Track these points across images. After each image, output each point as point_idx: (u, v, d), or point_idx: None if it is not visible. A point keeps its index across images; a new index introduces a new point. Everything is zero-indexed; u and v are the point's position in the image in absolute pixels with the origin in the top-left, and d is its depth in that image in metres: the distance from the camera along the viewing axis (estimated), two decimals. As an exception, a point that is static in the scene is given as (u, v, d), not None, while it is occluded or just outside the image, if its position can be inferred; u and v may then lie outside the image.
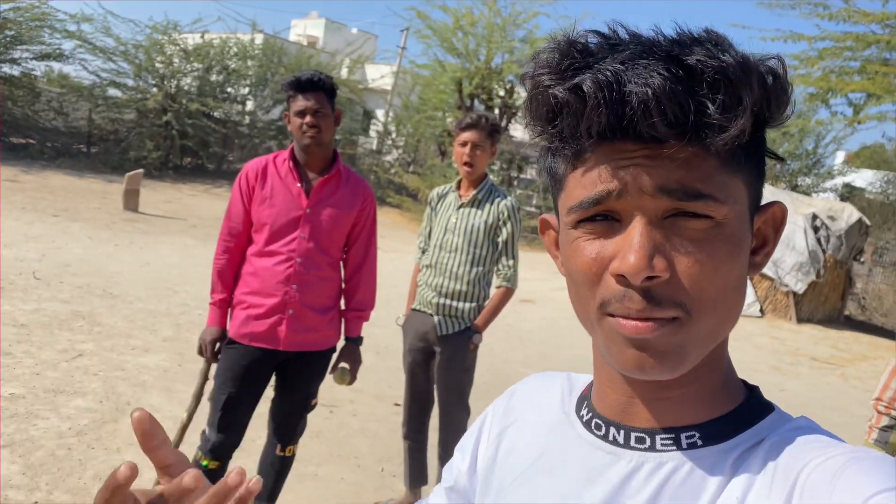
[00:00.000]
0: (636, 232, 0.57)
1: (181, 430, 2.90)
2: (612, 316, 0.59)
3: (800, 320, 11.58)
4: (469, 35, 16.85)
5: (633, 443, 0.65)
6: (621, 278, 0.58)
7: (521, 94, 17.60)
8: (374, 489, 3.69)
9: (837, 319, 12.35)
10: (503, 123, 17.35)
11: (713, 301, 0.58)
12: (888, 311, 13.45)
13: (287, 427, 2.83)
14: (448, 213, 3.28)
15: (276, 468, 2.86)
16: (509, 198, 3.25)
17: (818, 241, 11.66)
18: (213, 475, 2.66)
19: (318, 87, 2.61)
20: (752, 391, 0.68)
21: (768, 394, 0.69)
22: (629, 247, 0.57)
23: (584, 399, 0.74)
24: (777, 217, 0.66)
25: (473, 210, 3.21)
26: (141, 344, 5.32)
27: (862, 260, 14.22)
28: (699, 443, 0.63)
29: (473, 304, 3.20)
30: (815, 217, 11.65)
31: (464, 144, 3.16)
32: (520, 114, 17.80)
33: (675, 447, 0.63)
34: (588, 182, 0.60)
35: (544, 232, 0.75)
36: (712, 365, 0.65)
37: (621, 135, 0.57)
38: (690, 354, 0.59)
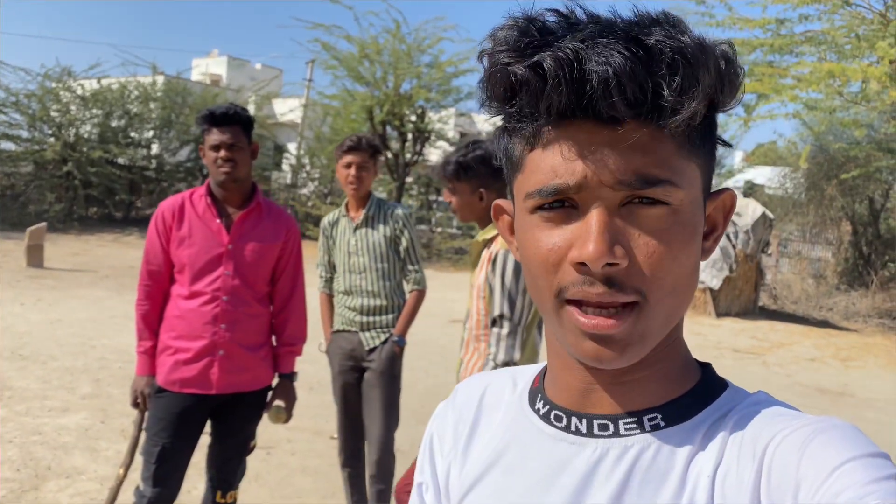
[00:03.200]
0: (594, 220, 0.57)
1: (116, 486, 2.73)
2: (570, 303, 0.59)
3: (718, 315, 12.04)
4: (376, 63, 16.91)
5: (596, 430, 0.64)
6: (581, 266, 0.57)
7: (433, 119, 17.80)
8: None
9: (753, 311, 12.91)
10: (417, 148, 17.47)
11: (670, 286, 0.59)
12: (797, 298, 14.16)
13: (226, 472, 2.71)
14: (346, 237, 3.35)
15: (218, 517, 2.73)
16: (400, 207, 3.38)
17: (727, 236, 12.19)
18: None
19: (233, 121, 2.55)
20: (706, 368, 0.68)
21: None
22: (588, 235, 0.57)
23: (537, 392, 0.71)
24: (727, 204, 0.67)
25: (369, 229, 3.30)
26: (58, 405, 5.02)
27: (769, 252, 14.96)
28: (662, 424, 0.63)
29: (394, 314, 3.30)
30: (722, 215, 12.18)
31: (348, 166, 3.26)
32: (433, 138, 17.99)
33: (638, 430, 0.63)
34: (546, 167, 0.59)
35: (498, 217, 0.74)
36: (671, 347, 0.65)
37: (580, 114, 0.56)
38: (649, 340, 0.60)
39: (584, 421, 0.65)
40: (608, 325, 0.57)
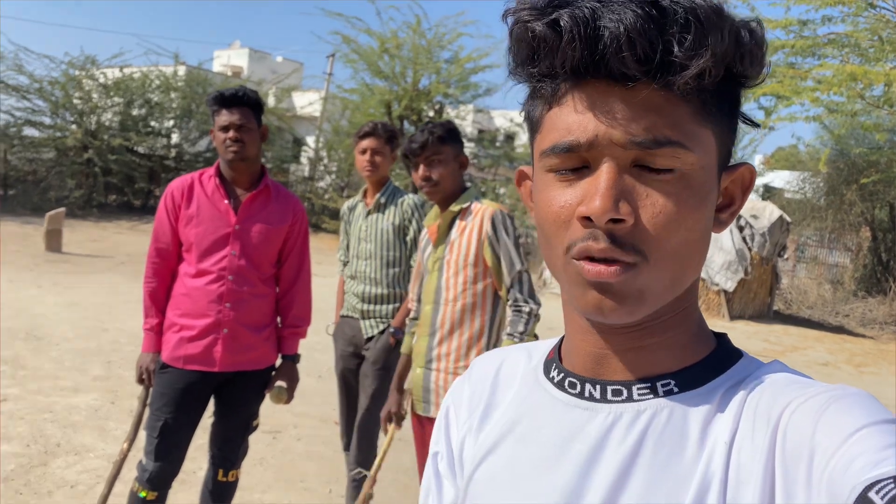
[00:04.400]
0: (603, 177, 0.59)
1: (120, 460, 2.77)
2: (577, 260, 0.60)
3: (732, 317, 11.95)
4: (395, 58, 16.94)
5: (609, 396, 0.65)
6: (587, 221, 0.59)
7: (451, 114, 17.79)
8: None
9: (767, 314, 12.80)
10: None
11: (674, 250, 0.60)
12: (813, 303, 14.01)
13: (228, 450, 2.74)
14: (359, 222, 3.40)
15: (219, 494, 2.76)
16: (412, 196, 3.37)
17: (744, 239, 12.09)
18: (153, 506, 2.55)
19: (242, 102, 2.57)
20: (721, 338, 0.69)
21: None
22: (596, 190, 0.58)
23: (552, 362, 0.73)
24: (745, 178, 0.68)
25: (379, 215, 3.32)
26: (70, 385, 5.09)
27: (786, 256, 14.82)
28: (675, 389, 0.63)
29: (395, 305, 3.30)
30: (738, 217, 12.09)
31: (363, 152, 3.29)
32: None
33: (651, 395, 0.63)
34: (561, 125, 0.61)
35: (521, 183, 0.75)
36: (683, 315, 0.66)
37: (594, 72, 0.58)
38: (648, 300, 0.61)
39: (598, 387, 0.66)
40: (609, 272, 0.58)
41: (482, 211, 2.48)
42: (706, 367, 0.65)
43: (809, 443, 0.53)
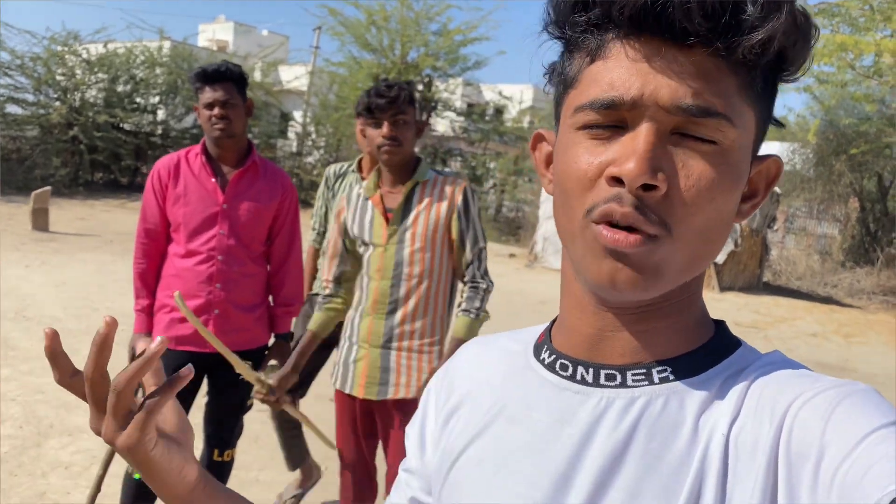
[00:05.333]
0: (642, 138, 0.55)
1: (111, 443, 2.76)
2: (597, 224, 0.56)
3: (722, 289, 12.03)
4: (383, 31, 16.76)
5: (602, 380, 0.62)
6: (616, 182, 0.55)
7: (440, 88, 17.66)
8: (319, 488, 3.62)
9: (756, 286, 12.89)
10: (423, 117, 17.35)
11: (699, 228, 0.56)
12: (802, 274, 14.12)
13: (223, 431, 2.73)
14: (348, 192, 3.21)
15: (215, 474, 2.75)
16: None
17: (733, 211, 12.14)
18: (146, 488, 2.55)
19: (225, 78, 2.52)
20: (720, 325, 0.66)
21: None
22: (633, 152, 0.54)
23: (543, 344, 0.70)
24: (772, 171, 0.64)
25: None
26: (61, 365, 5.07)
27: (775, 228, 14.89)
28: (671, 377, 0.61)
29: None
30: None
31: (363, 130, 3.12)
32: (440, 107, 17.85)
33: (647, 382, 0.61)
34: (604, 80, 0.57)
35: (536, 146, 0.71)
36: (688, 300, 0.63)
37: (650, 25, 0.54)
38: (665, 277, 0.57)
39: (591, 370, 0.63)
40: (630, 241, 0.55)
41: (452, 183, 2.38)
42: (704, 355, 0.62)
43: (819, 442, 0.50)
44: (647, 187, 0.54)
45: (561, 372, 0.65)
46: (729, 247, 12.03)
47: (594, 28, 0.57)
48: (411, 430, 0.79)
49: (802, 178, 16.01)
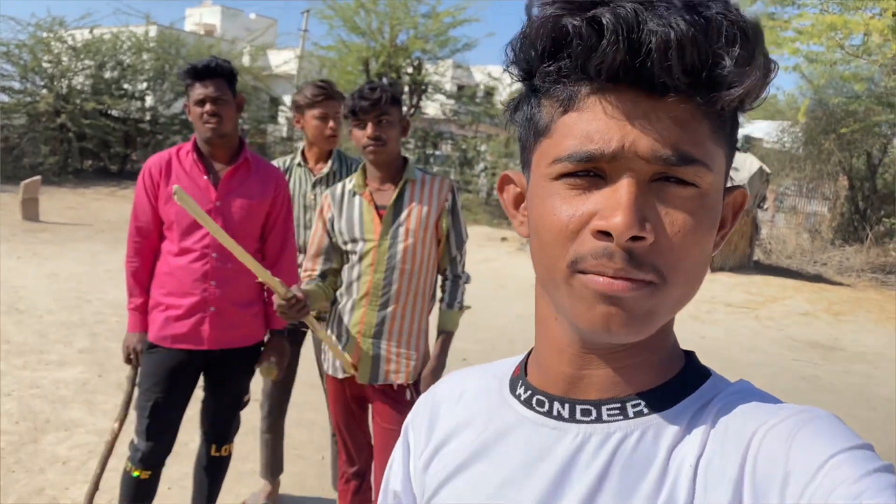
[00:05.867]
0: (624, 190, 0.55)
1: (112, 440, 2.78)
2: (585, 273, 0.57)
3: (713, 269, 12.08)
4: (372, 13, 16.62)
5: (578, 416, 0.63)
6: (603, 236, 0.55)
7: (429, 70, 17.54)
8: (317, 477, 3.66)
9: (747, 265, 12.95)
10: (413, 101, 17.27)
11: (687, 270, 0.58)
12: (792, 253, 14.19)
13: (220, 426, 2.76)
14: (301, 188, 3.22)
15: (213, 470, 2.79)
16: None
17: (724, 192, 12.16)
18: (145, 485, 2.58)
19: (216, 74, 2.51)
20: (690, 357, 0.67)
21: (689, 342, 0.71)
22: (617, 205, 0.55)
23: (518, 379, 0.70)
24: (738, 201, 0.65)
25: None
26: (56, 358, 5.08)
27: (765, 207, 14.94)
28: (645, 411, 0.62)
29: None
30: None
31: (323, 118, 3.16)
32: (430, 90, 17.75)
33: (622, 417, 0.62)
34: (580, 132, 0.57)
35: (503, 188, 0.71)
36: (664, 334, 0.64)
37: (627, 79, 0.54)
38: (657, 319, 0.58)
39: (567, 406, 0.64)
40: (624, 286, 0.55)
41: (441, 182, 2.52)
42: (676, 387, 0.63)
43: (783, 467, 0.52)
44: (635, 238, 0.55)
45: (537, 408, 0.66)
46: (720, 227, 12.08)
47: (565, 79, 0.57)
48: (396, 454, 0.80)
49: (792, 156, 16.05)
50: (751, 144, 16.88)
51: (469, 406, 0.73)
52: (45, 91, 16.94)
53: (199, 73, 2.50)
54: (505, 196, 0.71)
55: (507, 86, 19.63)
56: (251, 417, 4.12)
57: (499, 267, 10.45)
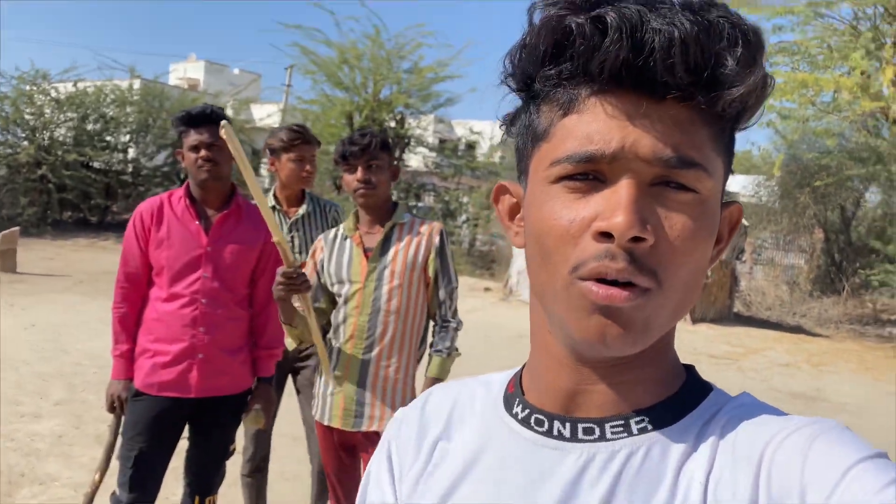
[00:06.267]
0: (625, 192, 0.54)
1: (92, 491, 2.69)
2: (584, 280, 0.55)
3: (694, 321, 12.16)
4: (355, 69, 16.92)
5: (580, 435, 0.61)
6: (604, 237, 0.55)
7: (412, 125, 17.79)
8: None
9: (728, 317, 13.04)
10: (396, 154, 17.46)
11: (684, 278, 0.57)
12: (771, 304, 14.34)
13: (205, 477, 2.69)
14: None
15: (196, 522, 2.71)
16: (336, 205, 3.34)
17: (703, 244, 12.32)
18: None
19: (210, 120, 2.54)
20: (691, 371, 0.66)
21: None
22: (618, 205, 0.54)
23: (514, 396, 0.68)
24: (734, 217, 0.64)
25: (310, 226, 3.21)
26: (31, 410, 4.95)
27: (743, 259, 15.15)
28: (650, 427, 0.60)
29: None
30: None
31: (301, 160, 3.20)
32: (412, 143, 17.96)
33: (626, 434, 0.60)
34: (581, 134, 0.56)
35: (498, 199, 0.69)
36: (664, 348, 0.63)
37: (630, 80, 0.54)
38: (654, 330, 0.57)
39: (568, 425, 0.62)
40: (622, 296, 0.54)
41: (429, 225, 2.54)
42: (679, 402, 0.62)
43: (799, 483, 0.51)
44: (636, 239, 0.54)
45: (536, 427, 0.63)
46: (700, 279, 12.20)
47: (566, 81, 0.57)
48: (376, 468, 0.75)
49: (768, 210, 16.35)
50: (728, 197, 17.18)
51: (461, 422, 0.70)
52: (26, 143, 16.94)
53: (194, 119, 2.52)
54: (500, 207, 0.69)
55: (489, 139, 19.94)
56: (235, 469, 4.03)
57: (483, 317, 10.43)
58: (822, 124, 11.04)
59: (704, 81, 0.53)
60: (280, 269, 2.19)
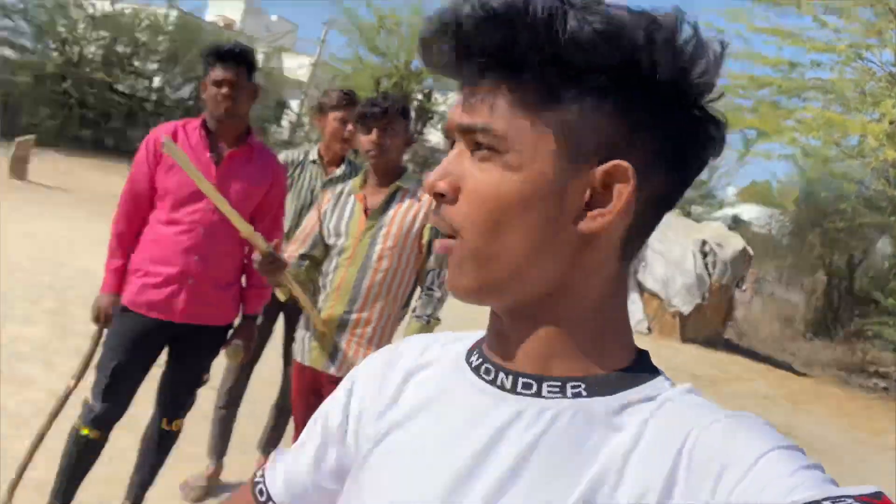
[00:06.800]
0: (447, 156, 0.66)
1: (65, 396, 2.75)
2: None
3: (684, 340, 12.19)
4: (393, 34, 16.85)
5: (519, 388, 0.65)
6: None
7: (439, 100, 17.76)
8: (260, 473, 3.63)
9: (719, 342, 13.07)
10: (418, 127, 17.43)
11: (481, 231, 0.63)
12: (763, 338, 14.35)
13: (175, 400, 2.75)
14: (310, 184, 3.41)
15: (160, 443, 2.78)
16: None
17: (706, 265, 12.32)
18: (95, 445, 2.57)
19: (238, 59, 2.57)
20: (642, 354, 0.69)
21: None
22: None
23: (476, 348, 0.73)
24: (615, 174, 0.61)
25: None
26: (20, 314, 5.02)
27: (744, 288, 15.14)
28: (584, 393, 0.63)
29: None
30: (704, 243, 12.32)
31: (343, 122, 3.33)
32: (435, 119, 17.94)
33: (560, 395, 0.63)
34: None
35: None
36: (589, 318, 0.65)
37: (453, 69, 0.64)
38: (468, 274, 0.65)
39: (511, 377, 0.66)
40: (443, 245, 0.66)
41: (420, 191, 2.59)
42: (619, 377, 0.64)
43: (719, 462, 0.55)
44: (438, 196, 0.65)
45: (484, 376, 0.68)
46: (696, 300, 12.21)
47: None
48: (336, 396, 0.81)
49: (776, 244, 16.33)
50: (738, 225, 17.17)
51: (426, 367, 0.76)
52: (55, 54, 16.93)
53: (223, 55, 2.55)
54: None
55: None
56: (203, 403, 4.09)
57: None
58: (843, 167, 10.99)
59: (500, 61, 0.61)
60: (255, 257, 2.29)
